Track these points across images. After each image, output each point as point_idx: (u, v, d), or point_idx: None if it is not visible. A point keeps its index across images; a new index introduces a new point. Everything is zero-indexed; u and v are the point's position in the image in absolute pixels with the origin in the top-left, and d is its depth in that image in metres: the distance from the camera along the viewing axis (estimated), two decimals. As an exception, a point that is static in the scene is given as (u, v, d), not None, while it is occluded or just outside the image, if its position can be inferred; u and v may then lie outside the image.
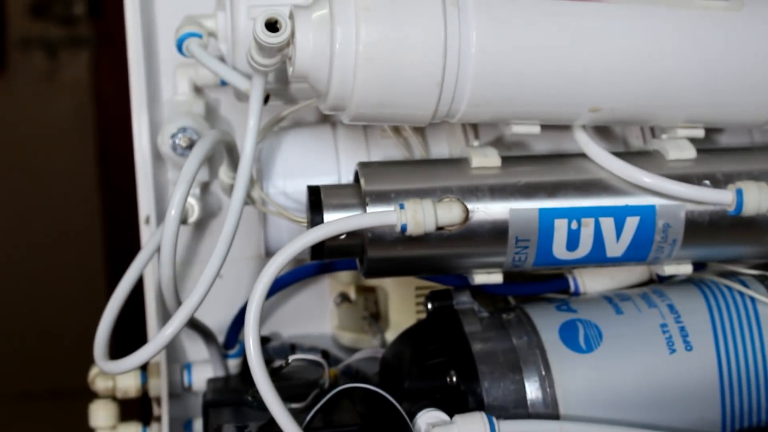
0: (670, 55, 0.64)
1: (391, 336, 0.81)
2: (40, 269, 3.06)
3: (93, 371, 0.80)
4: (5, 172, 3.28)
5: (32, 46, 3.35)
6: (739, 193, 0.66)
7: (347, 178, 0.72)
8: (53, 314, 3.07)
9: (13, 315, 3.20)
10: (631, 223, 0.67)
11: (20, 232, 3.28)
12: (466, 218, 0.64)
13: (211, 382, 0.77)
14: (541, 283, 0.75)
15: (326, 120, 0.76)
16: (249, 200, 0.70)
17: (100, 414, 0.79)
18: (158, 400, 0.80)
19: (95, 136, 3.28)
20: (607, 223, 0.67)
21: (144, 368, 0.80)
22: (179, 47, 0.73)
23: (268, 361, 0.65)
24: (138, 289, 0.73)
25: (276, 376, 0.69)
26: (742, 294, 0.72)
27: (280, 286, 0.78)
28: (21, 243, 3.25)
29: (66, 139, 3.33)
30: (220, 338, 0.79)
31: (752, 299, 0.72)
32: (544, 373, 0.67)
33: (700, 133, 0.70)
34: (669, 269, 0.71)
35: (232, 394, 0.72)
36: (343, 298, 0.85)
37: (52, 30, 3.34)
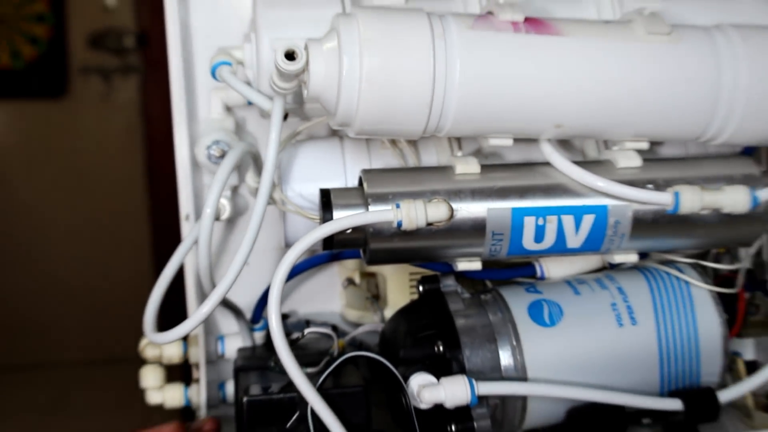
0: (619, 81, 0.65)
1: (389, 313, 0.81)
2: (100, 259, 3.06)
3: (143, 342, 0.81)
4: (69, 178, 3.28)
5: (90, 73, 3.33)
6: (677, 195, 0.67)
7: (353, 182, 0.73)
8: (110, 296, 3.08)
9: (79, 297, 3.19)
10: (588, 220, 0.68)
11: (83, 229, 3.28)
12: (451, 216, 0.65)
13: (241, 351, 0.77)
14: (513, 269, 0.76)
15: (335, 134, 0.77)
16: (271, 201, 0.70)
17: (149, 377, 0.80)
18: (197, 366, 0.80)
19: (143, 149, 3.28)
20: (568, 220, 0.67)
21: (185, 339, 0.80)
22: (213, 73, 0.74)
23: (287, 333, 0.65)
24: (179, 274, 0.73)
25: (294, 346, 0.69)
26: (678, 278, 0.73)
27: (297, 271, 0.78)
28: (84, 238, 3.26)
29: (119, 151, 3.33)
30: (248, 315, 0.80)
31: (686, 283, 0.73)
32: (515, 343, 0.68)
33: (644, 145, 0.70)
34: (618, 258, 0.72)
35: (258, 361, 0.72)
36: (350, 281, 0.85)
37: (107, 59, 3.32)
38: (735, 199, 0.67)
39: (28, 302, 3.26)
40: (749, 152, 0.77)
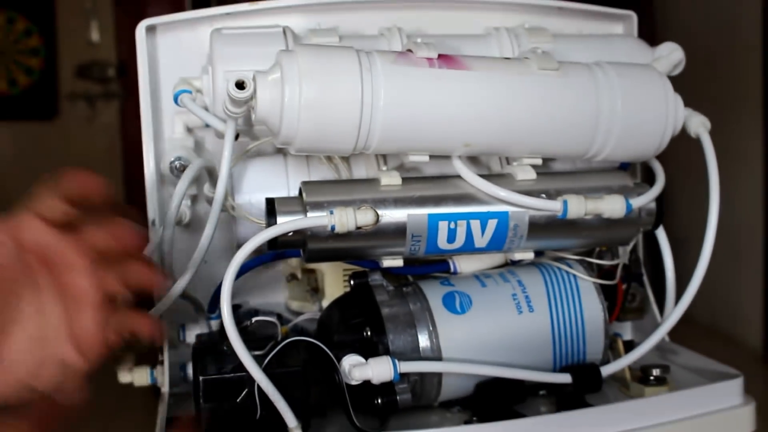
0: (517, 108, 0.65)
1: (325, 303, 0.80)
2: None
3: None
4: None
5: (77, 99, 3.32)
6: (565, 203, 0.67)
7: (294, 192, 0.72)
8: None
9: None
10: (492, 224, 0.68)
11: None
12: (377, 221, 0.65)
13: (199, 336, 0.76)
14: (430, 265, 0.75)
15: (279, 151, 0.76)
16: (224, 208, 0.69)
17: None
18: (161, 350, 0.79)
19: (122, 163, 3.26)
20: (475, 224, 0.67)
21: (151, 327, 0.79)
22: (176, 100, 0.73)
23: (237, 322, 0.64)
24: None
25: (243, 332, 0.69)
26: (567, 273, 0.73)
27: (246, 269, 0.77)
28: None
29: (101, 165, 3.31)
30: (205, 306, 0.79)
31: (574, 276, 0.73)
32: (431, 328, 0.68)
33: (538, 161, 0.70)
34: (518, 255, 0.72)
35: (213, 345, 0.71)
36: (292, 276, 0.85)
37: (92, 87, 3.32)
38: (613, 206, 0.68)
39: None
40: (625, 167, 0.78)
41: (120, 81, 3.28)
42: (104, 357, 0.54)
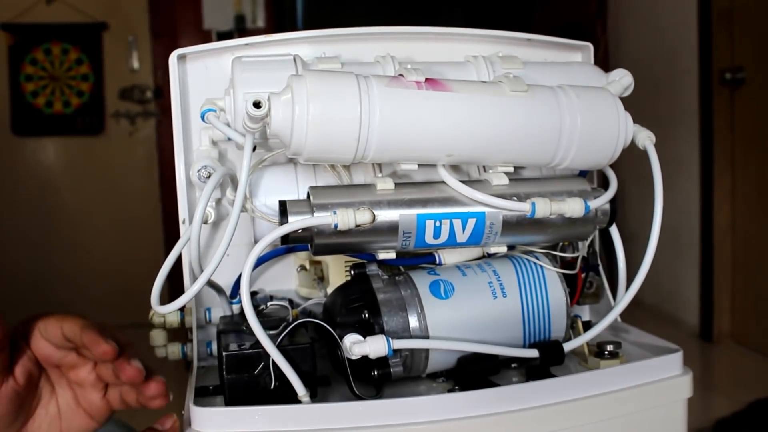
0: (492, 124, 0.65)
1: (330, 290, 0.80)
2: (126, 250, 3.05)
3: (151, 312, 0.78)
4: (104, 192, 3.29)
5: (120, 117, 3.33)
6: (533, 204, 0.67)
7: (303, 195, 0.72)
8: (133, 276, 3.06)
9: (111, 277, 3.18)
10: (471, 223, 0.67)
11: (113, 228, 3.30)
12: (373, 220, 0.64)
13: (222, 318, 0.76)
14: (419, 257, 0.75)
15: (291, 161, 0.75)
16: (244, 209, 0.69)
17: (157, 338, 0.78)
18: (191, 329, 0.78)
19: (158, 171, 3.27)
20: (457, 223, 0.67)
21: (182, 310, 0.78)
22: (202, 117, 0.73)
23: (255, 306, 0.65)
24: (178, 262, 0.71)
25: (260, 314, 0.69)
26: (535, 264, 0.73)
27: (262, 260, 0.77)
28: (114, 234, 3.28)
29: (140, 172, 3.32)
30: (228, 292, 0.78)
31: (541, 267, 0.73)
32: (420, 311, 0.67)
33: (510, 169, 0.70)
34: (493, 249, 0.72)
35: (235, 326, 0.71)
36: (302, 267, 0.84)
37: (133, 107, 3.32)
38: (574, 207, 0.68)
39: (74, 281, 3.26)
40: (583, 174, 0.77)
41: (156, 102, 3.28)
42: (111, 414, 0.63)
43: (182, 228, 0.78)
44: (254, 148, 0.68)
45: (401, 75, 0.65)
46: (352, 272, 0.72)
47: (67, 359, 0.59)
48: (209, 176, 0.74)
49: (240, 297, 0.64)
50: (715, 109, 2.67)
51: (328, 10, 3.38)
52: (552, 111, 0.66)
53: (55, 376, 0.60)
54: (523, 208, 0.67)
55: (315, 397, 0.64)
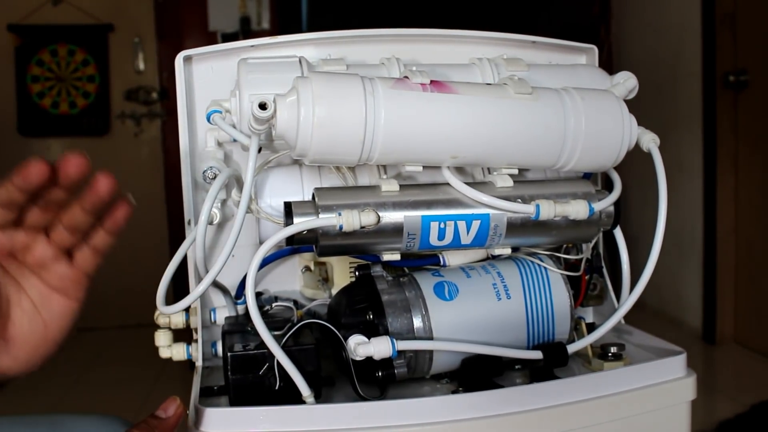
0: (497, 126, 0.65)
1: (334, 291, 0.80)
2: (132, 250, 3.05)
3: (156, 312, 0.79)
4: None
5: (126, 118, 3.33)
6: (538, 206, 0.67)
7: (308, 197, 0.72)
8: (138, 277, 3.08)
9: (115, 278, 3.20)
10: (476, 224, 0.67)
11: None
12: (378, 221, 0.64)
13: (227, 318, 0.76)
14: (423, 259, 0.75)
15: (296, 162, 0.75)
16: (249, 210, 0.69)
17: (161, 338, 0.78)
18: (196, 330, 0.78)
19: (163, 172, 3.27)
20: (462, 224, 0.67)
21: (187, 310, 0.78)
22: (208, 119, 0.73)
23: (260, 306, 0.64)
24: (183, 263, 0.71)
25: (265, 315, 0.69)
26: (539, 265, 0.73)
27: (267, 261, 0.77)
28: (120, 236, 3.27)
29: (146, 173, 3.32)
30: (233, 292, 0.78)
31: (545, 268, 0.73)
32: (424, 313, 0.67)
33: (515, 171, 0.70)
34: (497, 251, 0.71)
35: (240, 326, 0.71)
36: (307, 268, 0.84)
37: (138, 108, 3.33)
38: (578, 209, 0.68)
39: None
40: (588, 176, 0.77)
41: (162, 103, 3.29)
42: (87, 282, 0.57)
43: (187, 229, 0.78)
44: (260, 150, 0.68)
45: (406, 77, 0.65)
46: (357, 273, 0.72)
47: (18, 240, 0.53)
48: (215, 177, 0.74)
49: (245, 297, 0.64)
50: (718, 111, 2.66)
51: (332, 12, 3.38)
52: (556, 113, 0.66)
53: (13, 269, 0.55)
54: (527, 210, 0.67)
55: (319, 397, 0.64)
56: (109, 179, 0.53)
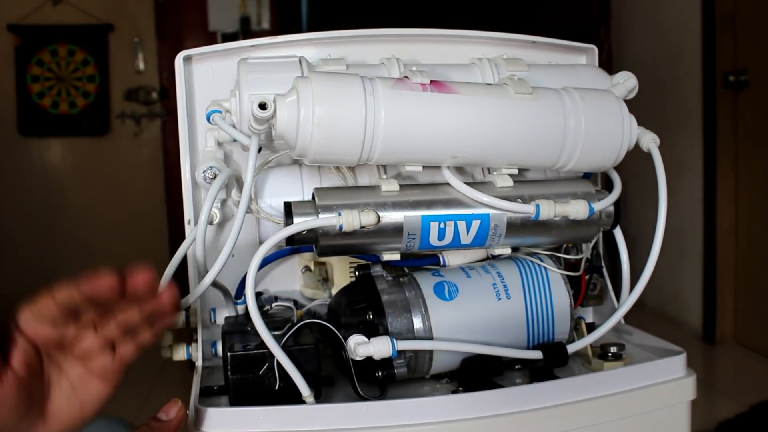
0: (497, 126, 0.65)
1: (334, 291, 0.80)
2: (131, 250, 3.05)
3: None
4: (110, 192, 3.30)
5: (125, 118, 3.33)
6: (537, 206, 0.67)
7: (308, 197, 0.72)
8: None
9: None
10: (475, 224, 0.67)
11: (119, 228, 3.30)
12: (378, 221, 0.64)
13: (227, 318, 0.76)
14: (423, 259, 0.75)
15: (296, 162, 0.76)
16: (249, 210, 0.69)
17: (162, 338, 0.78)
18: (196, 330, 0.78)
19: (163, 172, 3.27)
20: (462, 224, 0.67)
21: (187, 310, 0.78)
22: (208, 119, 0.73)
23: (260, 306, 0.65)
24: (183, 262, 0.71)
25: (265, 315, 0.69)
26: (539, 265, 0.73)
27: (267, 261, 0.77)
28: (120, 234, 3.28)
29: (146, 173, 3.32)
30: (233, 292, 0.78)
31: (545, 268, 0.73)
32: (424, 313, 0.67)
33: (515, 171, 0.70)
34: (497, 251, 0.71)
35: (239, 326, 0.71)
36: (307, 268, 0.84)
37: (138, 108, 3.33)
38: (578, 209, 0.68)
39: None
40: (587, 176, 0.77)
41: (162, 103, 3.29)
42: (124, 375, 0.60)
43: (187, 229, 0.78)
44: (259, 150, 0.68)
45: (406, 77, 0.65)
46: (357, 273, 0.72)
47: (68, 334, 0.56)
48: (215, 177, 0.74)
49: (245, 297, 0.64)
50: (718, 111, 2.66)
51: (332, 12, 3.38)
52: (556, 113, 0.66)
53: (59, 356, 0.58)
54: (527, 210, 0.67)
55: (319, 397, 0.64)
56: (174, 292, 0.56)
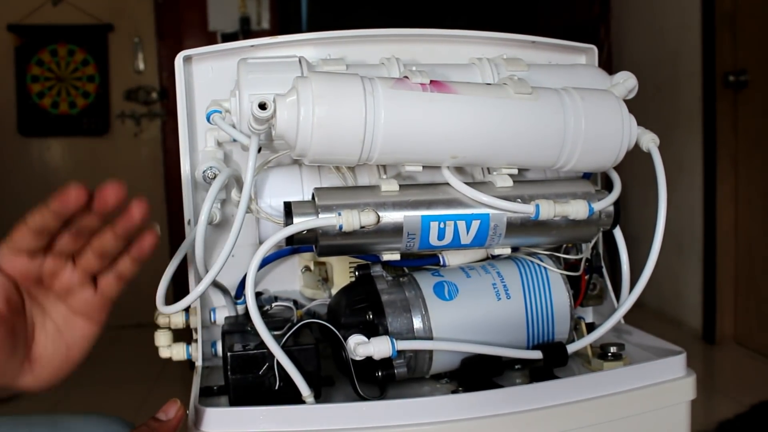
0: (497, 126, 0.65)
1: (334, 291, 0.80)
2: None
3: (156, 312, 0.79)
4: None
5: (125, 118, 3.33)
6: (537, 206, 0.67)
7: (308, 197, 0.72)
8: (139, 276, 3.05)
9: None
10: (475, 224, 0.67)
11: None
12: (378, 221, 0.64)
13: (227, 318, 0.76)
14: (423, 259, 0.75)
15: (295, 162, 0.76)
16: (249, 210, 0.69)
17: (161, 338, 0.78)
18: (195, 330, 0.78)
19: (163, 172, 3.27)
20: (461, 224, 0.67)
21: (187, 310, 0.78)
22: (208, 119, 0.73)
23: (260, 306, 0.65)
24: (183, 263, 0.71)
25: (264, 315, 0.69)
26: (539, 265, 0.73)
27: (267, 261, 0.77)
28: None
29: (145, 173, 3.32)
30: (233, 292, 0.78)
31: (545, 268, 0.73)
32: (424, 313, 0.67)
33: (515, 171, 0.70)
34: (497, 250, 0.71)
35: (239, 326, 0.71)
36: (306, 268, 0.84)
37: (138, 108, 3.33)
38: (578, 209, 0.68)
39: None
40: (587, 176, 0.77)
41: (161, 103, 3.29)
42: (109, 307, 0.58)
43: (187, 229, 0.78)
44: (259, 150, 0.68)
45: (406, 77, 0.65)
46: (357, 273, 0.72)
47: (46, 267, 0.55)
48: (214, 177, 0.74)
49: (245, 297, 0.64)
50: (718, 111, 2.66)
51: (332, 12, 3.38)
52: (556, 113, 0.66)
53: (40, 295, 0.56)
54: (527, 210, 0.67)
55: (319, 397, 0.64)
56: (144, 206, 0.54)
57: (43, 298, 0.57)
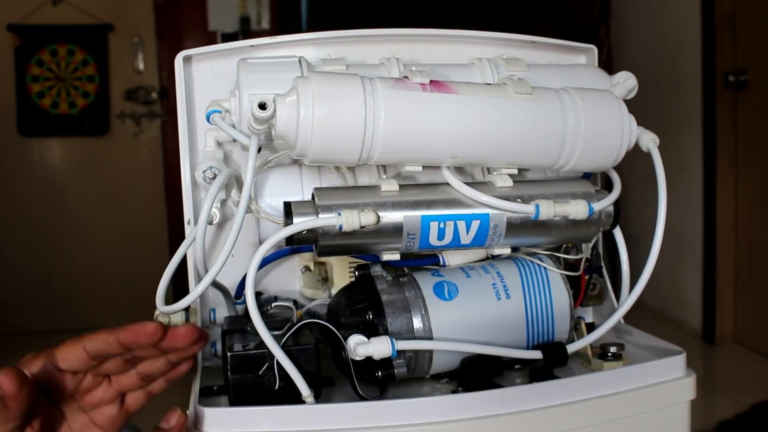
0: (497, 126, 0.65)
1: (334, 291, 0.80)
2: (131, 251, 3.06)
3: (156, 312, 0.78)
4: (109, 193, 3.30)
5: (125, 118, 3.34)
6: (537, 206, 0.67)
7: (308, 197, 0.72)
8: (137, 277, 3.08)
9: (114, 277, 3.19)
10: (475, 224, 0.67)
11: (118, 229, 3.30)
12: (378, 221, 0.64)
13: (227, 318, 0.76)
14: (423, 259, 0.75)
15: (295, 162, 0.75)
16: (249, 210, 0.69)
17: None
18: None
19: (163, 172, 3.27)
20: (461, 224, 0.67)
21: (187, 310, 0.78)
22: (208, 119, 0.73)
23: (260, 306, 0.64)
24: (183, 263, 0.71)
25: (264, 315, 0.69)
26: (539, 265, 0.73)
27: (267, 261, 0.77)
28: (119, 235, 3.29)
29: (145, 174, 3.33)
30: (233, 292, 0.78)
31: (545, 268, 0.73)
32: (424, 313, 0.67)
33: (514, 171, 0.70)
34: (497, 250, 0.71)
35: (239, 326, 0.71)
36: (306, 268, 0.84)
37: (138, 108, 3.34)
38: (577, 209, 0.68)
39: (79, 281, 3.26)
40: (587, 176, 0.77)
41: (161, 103, 3.29)
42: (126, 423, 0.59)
43: (187, 229, 0.78)
44: (259, 150, 0.68)
45: (406, 77, 0.65)
46: (357, 273, 0.72)
47: (83, 384, 0.55)
48: (214, 177, 0.74)
49: (245, 297, 0.64)
50: (718, 111, 2.66)
51: (332, 12, 3.38)
52: (556, 113, 0.66)
53: (64, 404, 0.56)
54: (527, 209, 0.67)
55: (319, 397, 0.64)
56: (194, 332, 0.53)
57: (67, 407, 0.56)
